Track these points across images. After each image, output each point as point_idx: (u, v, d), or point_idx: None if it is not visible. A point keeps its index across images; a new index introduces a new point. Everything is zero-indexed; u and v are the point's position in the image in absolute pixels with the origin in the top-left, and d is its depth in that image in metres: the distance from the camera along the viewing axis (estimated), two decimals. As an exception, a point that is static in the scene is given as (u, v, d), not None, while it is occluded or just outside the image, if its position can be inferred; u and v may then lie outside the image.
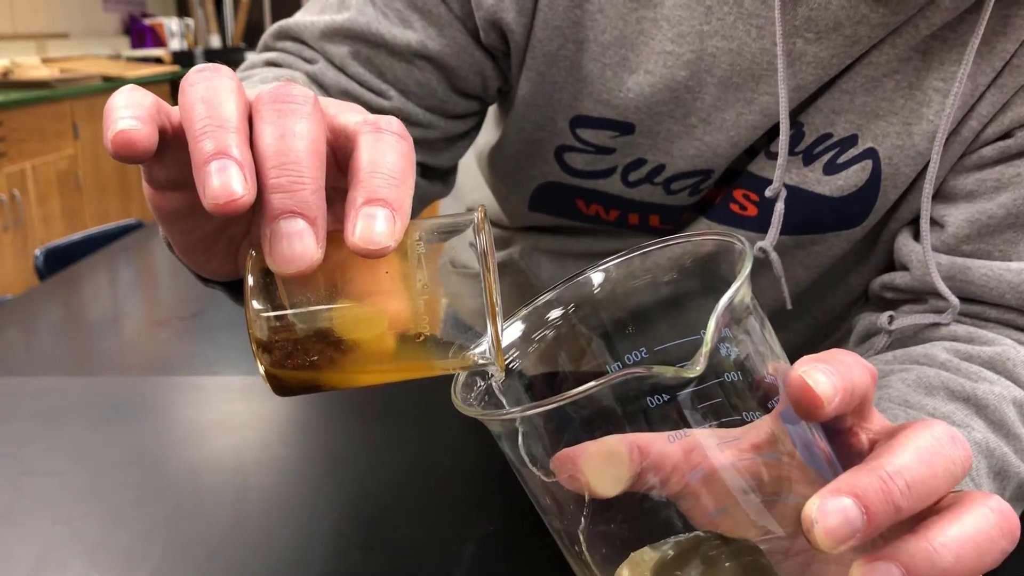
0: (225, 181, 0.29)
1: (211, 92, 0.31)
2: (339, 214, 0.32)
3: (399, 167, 0.32)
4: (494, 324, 0.32)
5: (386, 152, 0.32)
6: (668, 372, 0.28)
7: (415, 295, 0.32)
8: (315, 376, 0.32)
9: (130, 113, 0.31)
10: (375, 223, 0.30)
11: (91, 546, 0.50)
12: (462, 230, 0.33)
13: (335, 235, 0.31)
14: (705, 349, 0.28)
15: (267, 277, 0.32)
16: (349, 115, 0.34)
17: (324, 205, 0.31)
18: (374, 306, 0.32)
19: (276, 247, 0.30)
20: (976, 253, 0.59)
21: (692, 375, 0.28)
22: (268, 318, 0.31)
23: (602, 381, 0.28)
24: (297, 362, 0.32)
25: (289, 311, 0.32)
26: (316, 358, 0.32)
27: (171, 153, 0.33)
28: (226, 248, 0.40)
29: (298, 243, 0.30)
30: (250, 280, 0.32)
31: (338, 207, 0.32)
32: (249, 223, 0.40)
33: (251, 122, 0.32)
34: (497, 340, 0.32)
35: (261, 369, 0.32)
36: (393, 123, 0.33)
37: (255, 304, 0.31)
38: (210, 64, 0.34)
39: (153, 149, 0.31)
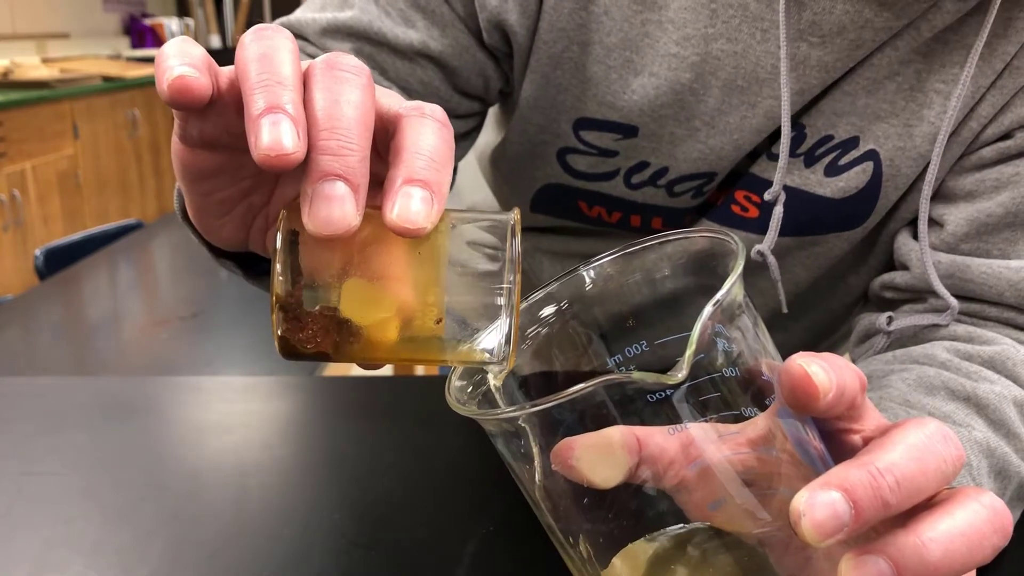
0: (277, 136, 0.29)
1: (271, 50, 0.31)
2: (370, 200, 0.32)
3: (441, 152, 0.32)
4: (515, 327, 0.32)
5: (428, 136, 0.32)
6: (649, 379, 0.28)
7: (433, 284, 0.32)
8: (323, 348, 0.32)
9: (187, 60, 0.31)
10: (415, 203, 0.30)
11: (91, 546, 0.50)
12: (498, 229, 0.33)
13: (367, 213, 0.31)
14: (689, 353, 0.28)
15: (294, 239, 0.32)
16: (390, 99, 0.35)
17: (368, 175, 0.31)
18: (388, 289, 0.32)
19: (316, 208, 0.30)
20: (975, 252, 0.59)
21: (674, 382, 0.28)
22: (285, 281, 0.32)
23: (585, 386, 0.28)
24: (308, 331, 0.32)
25: (306, 278, 0.32)
26: (327, 329, 0.32)
27: (211, 111, 0.33)
28: (242, 216, 0.40)
29: (338, 207, 0.30)
30: (278, 240, 0.32)
31: (370, 192, 0.32)
32: (270, 194, 0.40)
33: (305, 87, 0.32)
34: (515, 342, 0.32)
35: (275, 330, 0.32)
36: (436, 110, 0.34)
37: (278, 266, 0.32)
38: (270, 24, 0.34)
39: (207, 98, 0.31)
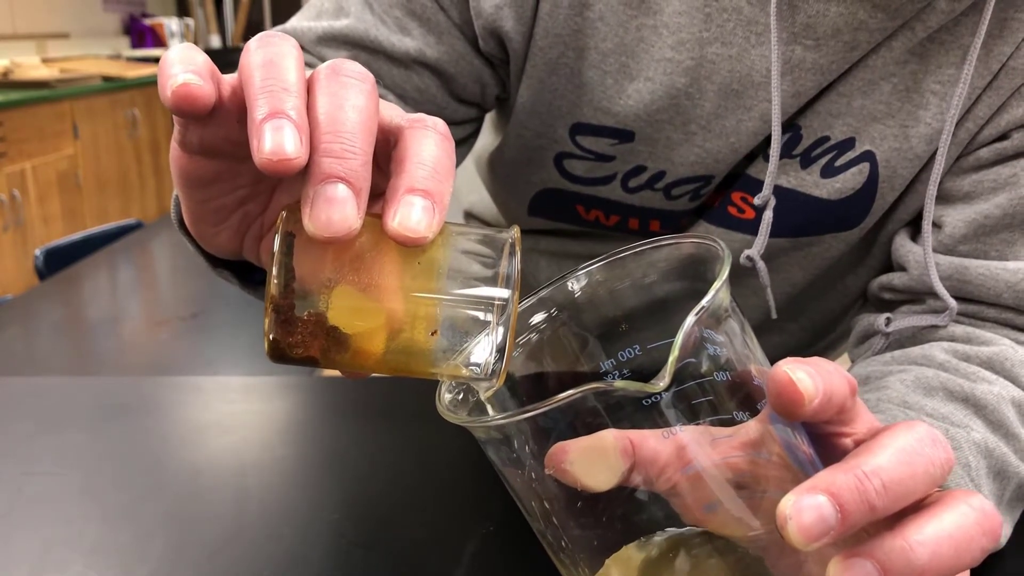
0: (279, 141, 0.29)
1: (276, 56, 0.31)
2: (369, 210, 0.32)
3: (443, 163, 0.32)
4: (511, 345, 0.32)
5: (431, 147, 0.33)
6: (632, 387, 0.28)
7: (427, 296, 0.32)
8: (311, 353, 0.32)
9: (192, 68, 0.31)
10: (416, 212, 0.31)
11: (90, 546, 0.50)
12: (496, 246, 0.33)
13: (366, 221, 0.31)
14: (671, 359, 0.28)
15: (292, 241, 0.32)
16: (392, 111, 0.35)
17: (370, 179, 0.31)
18: (378, 299, 0.32)
19: (317, 210, 0.30)
20: (973, 253, 0.59)
21: (656, 390, 0.28)
22: (279, 283, 0.31)
23: (570, 393, 0.28)
24: (297, 335, 0.32)
25: (298, 281, 0.32)
26: (315, 335, 0.32)
27: (212, 118, 0.33)
28: (238, 224, 0.40)
29: (338, 209, 0.30)
30: (276, 241, 0.32)
31: (369, 203, 0.32)
32: (267, 202, 0.40)
33: (309, 92, 0.32)
34: (507, 361, 0.32)
35: (266, 331, 0.32)
36: (439, 123, 0.34)
37: (274, 268, 0.31)
38: (275, 31, 0.34)
39: (211, 106, 0.31)
